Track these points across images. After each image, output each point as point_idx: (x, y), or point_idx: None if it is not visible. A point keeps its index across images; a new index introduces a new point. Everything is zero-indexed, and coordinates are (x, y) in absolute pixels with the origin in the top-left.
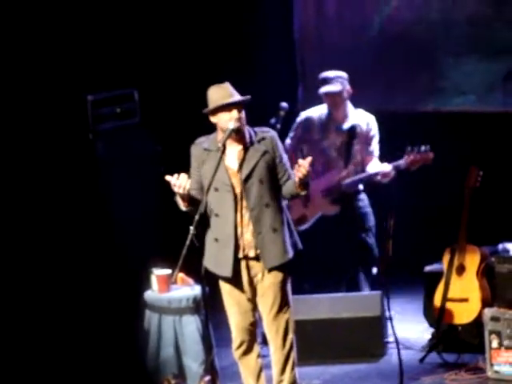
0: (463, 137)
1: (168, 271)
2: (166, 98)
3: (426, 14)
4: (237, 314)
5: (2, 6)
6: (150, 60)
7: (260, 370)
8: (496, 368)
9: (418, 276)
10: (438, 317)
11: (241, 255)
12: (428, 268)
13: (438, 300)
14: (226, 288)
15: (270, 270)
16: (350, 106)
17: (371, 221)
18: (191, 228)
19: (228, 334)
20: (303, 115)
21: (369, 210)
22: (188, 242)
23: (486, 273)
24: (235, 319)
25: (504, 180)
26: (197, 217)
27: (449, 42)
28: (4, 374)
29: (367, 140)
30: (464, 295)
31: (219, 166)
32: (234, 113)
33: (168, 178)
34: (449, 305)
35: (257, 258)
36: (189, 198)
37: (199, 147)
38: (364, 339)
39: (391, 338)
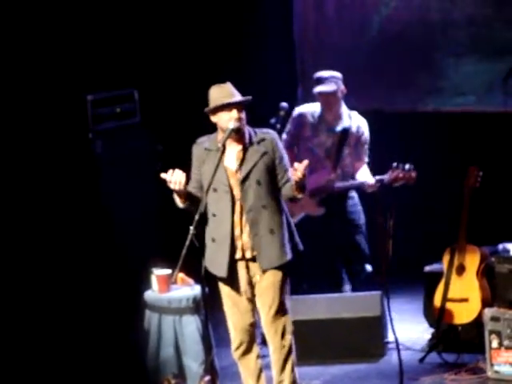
0: (463, 137)
1: (168, 271)
2: (166, 98)
3: (426, 14)
4: (236, 314)
5: (2, 6)
6: (150, 60)
7: (260, 371)
8: (496, 368)
9: (418, 276)
10: (437, 317)
11: (238, 256)
12: (428, 268)
13: (437, 300)
14: (224, 288)
15: (268, 272)
16: (343, 106)
17: (361, 219)
18: (191, 228)
19: (228, 334)
20: (297, 111)
21: (359, 208)
22: (188, 242)
23: (486, 273)
24: (234, 320)
25: (504, 180)
26: (197, 217)
27: (448, 42)
28: (4, 373)
29: (357, 144)
30: (464, 295)
31: (218, 166)
32: (234, 113)
33: (163, 175)
34: (449, 305)
35: (254, 259)
36: (186, 195)
37: (200, 147)
38: (364, 339)
39: (391, 338)
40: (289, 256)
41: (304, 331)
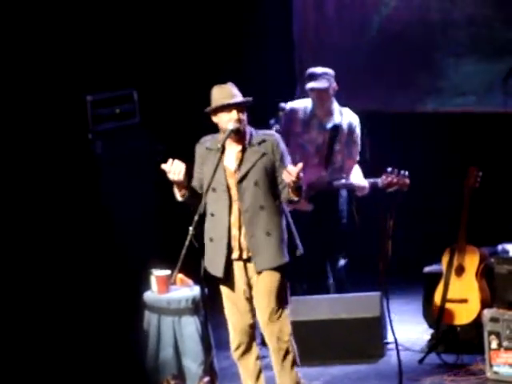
0: (463, 137)
1: (167, 272)
2: (166, 98)
3: (426, 14)
4: (235, 314)
5: (2, 6)
6: (150, 60)
7: (259, 372)
8: (495, 369)
9: (418, 277)
10: (437, 317)
11: (235, 256)
12: (427, 269)
13: (437, 301)
14: (224, 289)
15: (264, 274)
16: (335, 103)
17: (345, 218)
18: (190, 229)
19: (227, 334)
20: (288, 106)
21: (345, 207)
22: (187, 243)
23: (486, 273)
24: (233, 320)
25: (504, 180)
26: (196, 217)
27: (448, 43)
28: (4, 373)
29: (349, 141)
30: (463, 296)
31: (218, 166)
32: (234, 114)
33: (163, 165)
34: (448, 305)
35: (250, 260)
36: (185, 187)
37: (202, 146)
38: (363, 340)
39: (390, 339)
40: (285, 259)
41: (304, 332)
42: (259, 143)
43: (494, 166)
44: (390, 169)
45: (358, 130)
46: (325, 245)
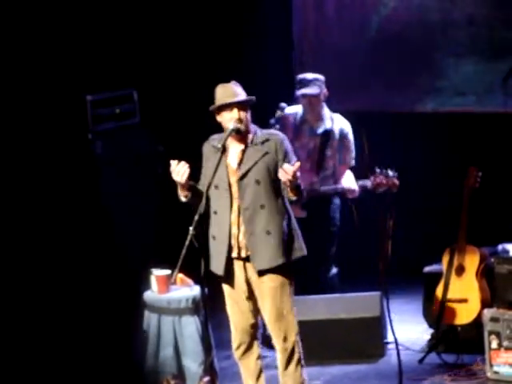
0: (463, 137)
1: (167, 272)
2: (166, 98)
3: (425, 14)
4: (236, 314)
5: (2, 6)
6: (150, 60)
7: (260, 371)
8: (495, 369)
9: (418, 276)
10: (437, 317)
11: (235, 255)
12: (427, 268)
13: (437, 300)
14: (226, 287)
15: (265, 273)
16: (325, 109)
17: (337, 225)
18: (190, 229)
19: (228, 334)
20: (280, 108)
21: (337, 215)
22: (187, 243)
23: (486, 273)
24: (235, 319)
25: (504, 180)
26: (196, 217)
27: (448, 43)
28: (3, 374)
29: (341, 146)
30: (463, 296)
31: (219, 165)
32: (235, 113)
33: (171, 162)
34: (448, 305)
35: (249, 259)
36: (188, 189)
37: (209, 144)
38: (363, 340)
39: (390, 339)
40: (285, 259)
41: (304, 332)
42: (262, 142)
43: (493, 166)
44: (378, 170)
45: (350, 136)
46: (316, 251)
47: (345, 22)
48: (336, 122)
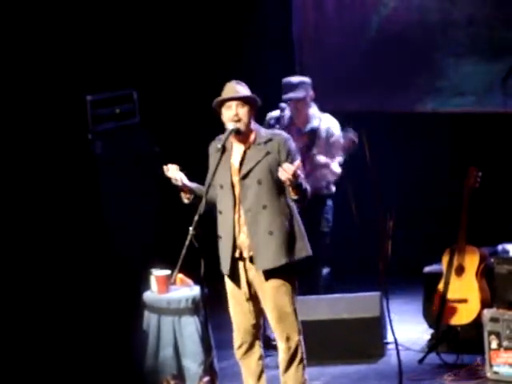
0: (462, 137)
1: (167, 272)
2: (166, 98)
3: (425, 14)
4: (239, 314)
5: (2, 7)
6: (150, 60)
7: (261, 371)
8: (495, 369)
9: (418, 277)
10: (437, 317)
11: (237, 255)
12: (427, 269)
13: (437, 301)
14: (229, 287)
15: (268, 274)
16: (314, 108)
17: (329, 227)
18: (190, 229)
19: (228, 335)
20: (268, 116)
21: (330, 216)
22: (187, 243)
23: (486, 273)
24: (237, 319)
25: (503, 181)
26: (196, 217)
27: (448, 43)
28: (3, 374)
29: (328, 145)
30: (463, 296)
31: (218, 165)
32: (233, 110)
33: (164, 168)
34: (448, 305)
35: (252, 260)
36: (189, 191)
37: (215, 143)
38: (363, 340)
39: (390, 339)
40: (287, 259)
41: (303, 332)
42: (265, 142)
43: (493, 166)
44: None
45: (337, 135)
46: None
47: (344, 22)
48: (323, 122)
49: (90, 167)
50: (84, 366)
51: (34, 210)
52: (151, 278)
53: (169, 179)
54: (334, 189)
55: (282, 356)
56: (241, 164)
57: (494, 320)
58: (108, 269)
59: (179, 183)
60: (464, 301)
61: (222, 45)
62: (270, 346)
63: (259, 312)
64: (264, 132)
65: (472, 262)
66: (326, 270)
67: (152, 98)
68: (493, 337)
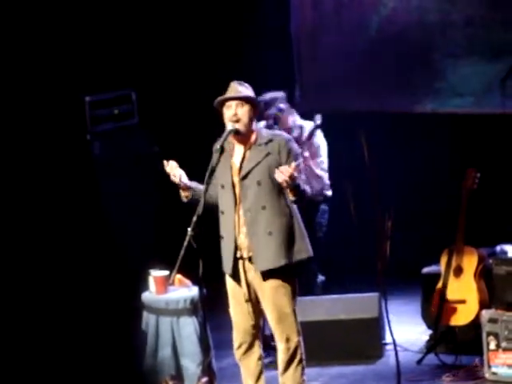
0: (461, 138)
1: (165, 272)
2: (164, 99)
3: (424, 15)
4: (238, 314)
5: (1, 7)
6: (148, 61)
7: (260, 372)
8: (494, 370)
9: (416, 277)
10: (435, 318)
11: (238, 255)
12: (426, 269)
13: (435, 301)
14: (230, 286)
15: (267, 274)
16: (295, 118)
17: (323, 231)
18: (189, 230)
19: (227, 335)
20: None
21: (324, 220)
22: (186, 244)
23: (484, 274)
24: (237, 319)
25: (502, 182)
26: (194, 218)
27: (447, 43)
28: (3, 374)
29: (310, 152)
30: (462, 297)
31: (216, 166)
32: (232, 109)
33: (164, 163)
34: (446, 306)
35: (251, 260)
36: (189, 189)
37: (217, 144)
38: (362, 341)
39: (389, 340)
40: (286, 260)
41: (302, 333)
42: (266, 143)
43: (492, 167)
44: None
45: (319, 140)
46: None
47: (343, 22)
48: (305, 130)
49: (88, 168)
50: (83, 366)
51: (34, 211)
52: (149, 279)
53: (168, 175)
54: (329, 193)
55: (281, 356)
56: (241, 164)
57: (492, 321)
58: (107, 269)
59: (177, 180)
60: (462, 301)
61: (221, 45)
62: (269, 346)
63: (259, 313)
64: (265, 133)
65: (470, 262)
66: (320, 279)
67: (150, 99)
68: (491, 337)
